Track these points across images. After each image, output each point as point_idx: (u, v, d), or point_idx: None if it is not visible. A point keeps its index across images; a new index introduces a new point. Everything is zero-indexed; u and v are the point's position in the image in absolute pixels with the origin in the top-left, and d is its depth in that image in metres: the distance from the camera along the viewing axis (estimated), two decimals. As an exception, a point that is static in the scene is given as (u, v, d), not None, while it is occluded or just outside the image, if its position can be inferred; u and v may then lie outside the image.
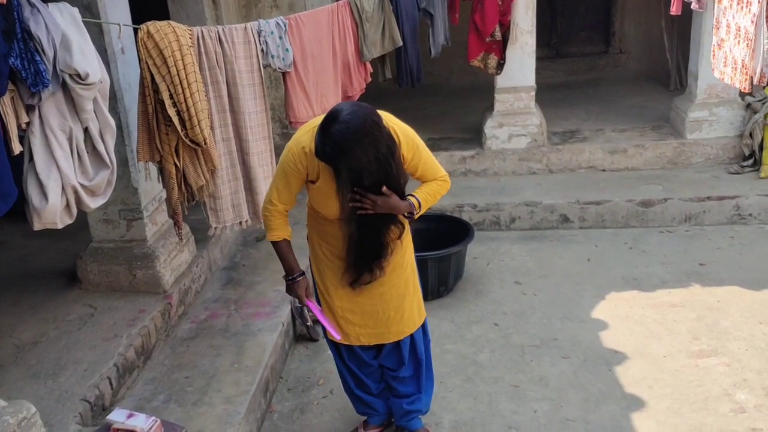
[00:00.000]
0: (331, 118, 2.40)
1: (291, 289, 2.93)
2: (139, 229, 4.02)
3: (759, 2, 3.02)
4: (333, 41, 4.23)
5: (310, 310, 4.11)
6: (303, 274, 2.92)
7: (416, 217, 2.73)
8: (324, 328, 2.99)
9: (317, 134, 2.43)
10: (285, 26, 3.89)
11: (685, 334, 4.05)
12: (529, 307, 4.47)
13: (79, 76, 2.73)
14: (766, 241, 5.12)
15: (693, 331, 4.08)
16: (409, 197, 2.68)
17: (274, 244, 2.88)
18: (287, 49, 3.91)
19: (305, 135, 2.63)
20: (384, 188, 2.54)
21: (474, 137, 6.47)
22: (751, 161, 5.75)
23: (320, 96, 4.19)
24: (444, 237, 4.65)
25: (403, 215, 2.69)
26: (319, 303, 3.04)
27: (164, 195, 3.93)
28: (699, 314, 4.24)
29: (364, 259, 2.75)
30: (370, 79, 4.64)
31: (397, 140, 2.55)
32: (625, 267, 4.90)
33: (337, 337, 2.88)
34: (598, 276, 4.81)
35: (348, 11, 4.30)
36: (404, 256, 2.90)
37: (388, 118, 2.61)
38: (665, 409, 3.45)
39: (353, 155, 2.38)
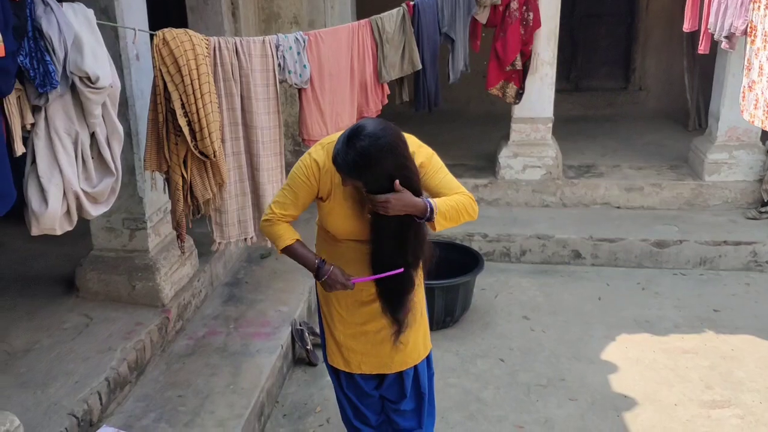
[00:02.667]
0: (358, 130, 2.31)
1: (331, 279, 2.62)
2: (141, 240, 3.92)
3: (796, 44, 2.94)
4: (352, 60, 4.16)
5: (301, 336, 4.02)
6: (325, 261, 2.66)
7: (438, 226, 2.50)
8: (324, 353, 2.88)
9: (341, 145, 2.33)
10: (304, 42, 3.82)
11: (697, 382, 3.91)
12: (537, 344, 4.34)
13: (89, 79, 2.65)
14: (783, 290, 4.98)
15: (706, 379, 3.93)
16: (425, 198, 2.50)
17: (288, 249, 2.67)
18: (305, 66, 3.83)
19: (319, 151, 2.55)
20: (396, 183, 2.37)
21: (488, 166, 6.37)
22: (770, 207, 5.63)
23: (335, 115, 4.10)
24: (453, 266, 4.53)
25: (418, 218, 2.48)
26: (321, 328, 2.92)
27: (170, 206, 3.84)
28: (712, 362, 4.10)
29: (397, 296, 2.62)
30: (386, 101, 4.56)
31: (411, 153, 2.46)
32: (637, 308, 4.77)
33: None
34: (609, 316, 4.67)
35: (369, 31, 4.23)
36: (416, 291, 2.78)
37: (411, 140, 2.52)
38: (675, 460, 3.31)
39: (376, 169, 2.30)
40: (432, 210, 2.45)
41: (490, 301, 4.90)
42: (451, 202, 2.54)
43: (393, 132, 2.34)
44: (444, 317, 4.45)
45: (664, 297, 4.93)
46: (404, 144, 2.38)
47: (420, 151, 2.56)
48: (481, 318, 4.67)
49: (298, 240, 2.68)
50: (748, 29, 3.54)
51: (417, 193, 2.44)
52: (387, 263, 2.55)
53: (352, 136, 2.31)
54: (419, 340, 2.86)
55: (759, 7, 3.37)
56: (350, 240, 2.64)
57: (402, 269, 2.54)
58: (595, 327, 4.53)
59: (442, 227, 2.52)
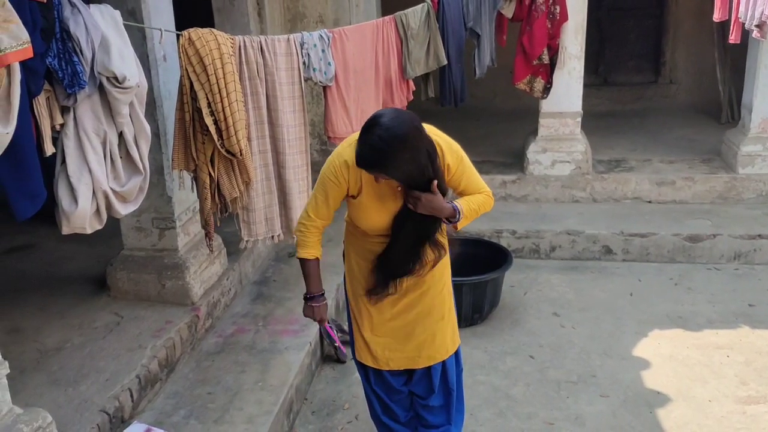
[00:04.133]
0: (372, 123, 2.32)
1: (309, 309, 2.84)
2: (171, 239, 3.96)
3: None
4: (376, 57, 4.15)
5: (329, 334, 4.02)
6: (324, 295, 2.83)
7: (459, 227, 2.58)
8: (353, 350, 2.88)
9: (358, 140, 2.34)
10: (329, 40, 3.82)
11: (732, 378, 3.83)
12: (567, 341, 4.29)
13: (116, 79, 2.69)
14: (821, 284, 4.86)
15: (741, 375, 3.85)
16: (453, 203, 2.56)
17: (304, 261, 2.76)
18: (329, 63, 3.84)
19: (347, 149, 2.54)
20: (434, 184, 2.41)
21: (515, 162, 6.32)
22: (806, 200, 5.50)
23: (360, 112, 4.10)
24: (481, 263, 4.50)
25: (445, 221, 2.55)
26: (350, 323, 2.92)
27: (198, 205, 3.87)
28: (747, 358, 4.01)
29: (388, 269, 2.64)
30: (412, 97, 4.55)
31: (439, 150, 2.47)
32: (669, 304, 4.69)
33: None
34: (641, 312, 4.60)
35: (393, 27, 4.22)
36: (442, 277, 2.77)
37: (431, 130, 2.52)
38: (710, 458, 3.24)
39: (393, 160, 2.29)
40: (459, 214, 2.53)
41: (519, 298, 4.86)
42: (474, 204, 2.61)
43: (407, 123, 2.32)
44: (472, 314, 4.42)
45: (697, 292, 4.84)
46: (420, 134, 2.36)
47: (451, 150, 2.57)
48: (510, 315, 4.63)
49: (317, 258, 2.76)
50: (781, 17, 3.46)
51: (430, 181, 2.43)
52: (393, 264, 2.63)
53: (366, 130, 2.32)
54: (447, 335, 2.85)
55: (792, -7, 3.30)
56: (380, 235, 2.65)
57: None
58: (627, 323, 4.46)
59: (461, 227, 2.61)
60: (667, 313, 4.56)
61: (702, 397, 3.67)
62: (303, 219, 2.71)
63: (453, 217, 2.52)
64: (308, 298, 2.82)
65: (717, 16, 4.80)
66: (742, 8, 4.05)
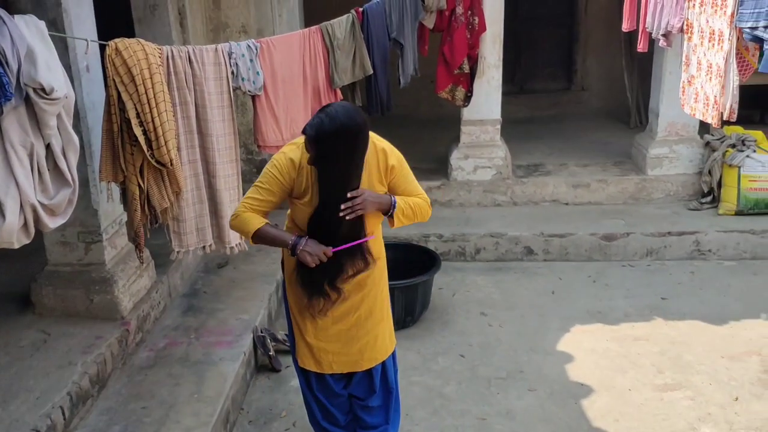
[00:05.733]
0: (329, 104, 2.52)
1: (304, 254, 2.58)
2: (97, 253, 3.88)
3: (729, 40, 3.10)
4: (304, 66, 4.20)
5: (263, 343, 4.03)
6: (304, 237, 2.64)
7: (395, 222, 2.68)
8: (294, 356, 2.92)
9: (315, 114, 2.48)
10: (257, 49, 3.85)
11: (649, 368, 4.06)
12: (495, 339, 4.44)
13: (43, 90, 2.64)
14: (725, 276, 5.20)
15: (657, 364, 4.09)
16: (389, 195, 2.70)
17: (259, 232, 2.64)
18: (258, 73, 3.86)
19: (294, 149, 2.64)
20: (350, 193, 2.54)
21: (440, 168, 6.48)
22: (710, 198, 5.88)
23: (290, 121, 4.14)
24: (411, 266, 4.61)
25: (383, 212, 2.68)
26: (291, 329, 2.96)
27: (125, 218, 3.81)
28: (662, 348, 4.26)
29: (319, 277, 2.67)
30: (339, 106, 4.60)
31: (382, 153, 2.66)
32: (589, 300, 4.92)
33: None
34: (563, 308, 4.81)
35: (320, 37, 4.28)
36: (380, 280, 2.85)
37: (372, 135, 2.65)
38: (632, 443, 3.43)
39: (346, 134, 2.43)
40: (394, 206, 2.64)
41: (448, 300, 4.99)
42: (411, 202, 2.72)
43: (360, 111, 2.53)
44: (404, 317, 4.52)
45: (614, 288, 5.10)
46: (367, 127, 2.53)
47: (393, 153, 2.71)
48: (441, 316, 4.76)
49: (267, 223, 2.69)
50: (685, 26, 3.71)
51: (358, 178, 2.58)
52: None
53: (324, 107, 2.51)
54: (386, 336, 2.93)
55: (693, 5, 3.54)
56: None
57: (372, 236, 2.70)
58: (550, 320, 4.66)
59: (399, 223, 2.70)
60: (587, 309, 4.78)
61: (622, 387, 3.88)
62: (239, 208, 2.72)
63: (390, 208, 2.64)
64: (295, 247, 2.60)
65: (626, 26, 5.08)
66: (649, 18, 4.31)
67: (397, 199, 2.67)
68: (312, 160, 2.51)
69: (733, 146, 5.71)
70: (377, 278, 2.82)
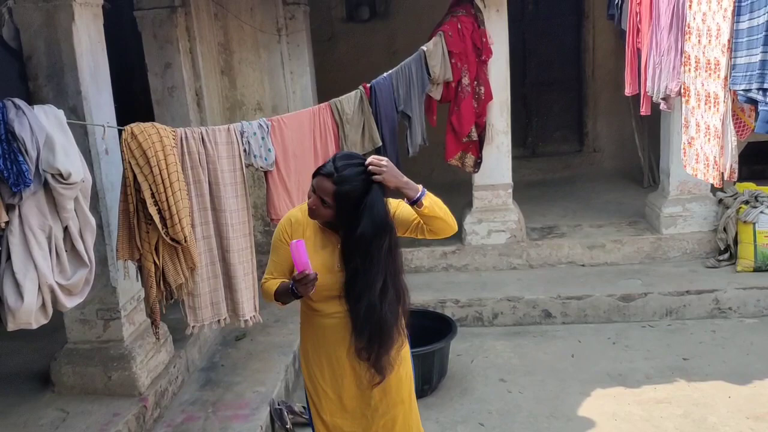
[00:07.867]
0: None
1: (303, 282, 2.55)
2: (116, 329, 3.95)
3: (724, 102, 3.16)
4: (314, 141, 4.33)
5: (280, 416, 4.02)
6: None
7: (426, 206, 2.58)
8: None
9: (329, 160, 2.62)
10: (268, 127, 3.99)
11: (672, 431, 3.97)
12: (514, 406, 4.39)
13: (61, 175, 2.76)
14: (747, 334, 5.12)
15: (680, 427, 4.01)
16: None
17: (275, 294, 2.75)
18: (269, 149, 3.99)
19: (295, 211, 2.81)
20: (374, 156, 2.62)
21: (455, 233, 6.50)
22: (726, 255, 5.83)
23: (302, 194, 4.23)
24: (427, 333, 4.60)
25: (408, 199, 2.60)
26: (309, 409, 2.96)
27: (142, 294, 3.89)
28: (686, 410, 4.18)
29: (372, 345, 2.61)
30: (350, 178, 4.70)
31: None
32: (609, 362, 4.86)
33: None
34: (583, 372, 4.75)
35: (329, 113, 4.42)
36: (404, 360, 2.86)
37: None
38: None
39: (349, 170, 2.54)
40: (423, 192, 2.59)
41: (466, 366, 4.96)
42: (438, 199, 2.69)
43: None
44: (422, 385, 4.48)
45: (634, 350, 5.03)
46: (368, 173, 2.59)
47: (394, 201, 2.76)
48: (459, 384, 4.72)
49: (281, 282, 2.77)
50: (682, 90, 3.79)
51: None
52: (362, 301, 2.60)
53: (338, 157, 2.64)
54: (412, 424, 2.92)
55: (689, 69, 3.62)
56: (328, 301, 2.71)
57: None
58: (570, 384, 4.60)
59: (430, 211, 2.61)
60: (607, 372, 4.72)
61: (645, 452, 3.81)
62: (263, 279, 2.87)
63: (419, 190, 2.58)
64: (293, 287, 2.62)
65: (628, 91, 5.17)
66: (649, 83, 4.40)
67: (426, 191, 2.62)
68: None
69: (747, 203, 5.70)
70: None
